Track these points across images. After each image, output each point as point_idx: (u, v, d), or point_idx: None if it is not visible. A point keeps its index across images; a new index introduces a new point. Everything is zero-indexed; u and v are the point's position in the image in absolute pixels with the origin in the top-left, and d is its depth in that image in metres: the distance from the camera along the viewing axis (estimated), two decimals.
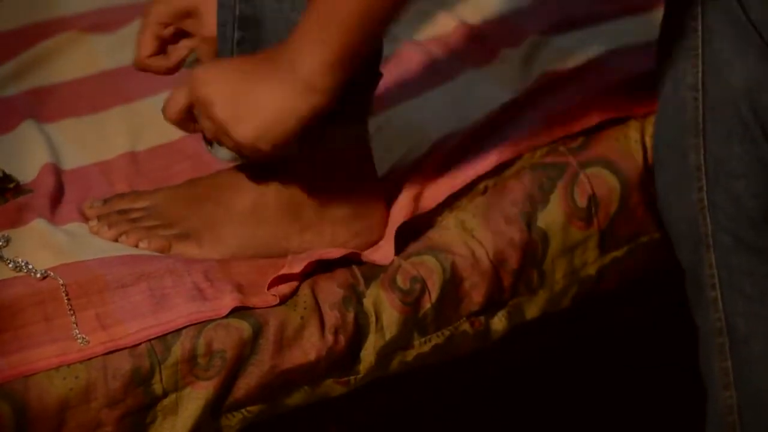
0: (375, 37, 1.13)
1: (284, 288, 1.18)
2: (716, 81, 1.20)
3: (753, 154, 1.20)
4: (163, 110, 1.16)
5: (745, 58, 1.17)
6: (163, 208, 1.24)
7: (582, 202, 1.32)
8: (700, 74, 1.21)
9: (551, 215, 1.30)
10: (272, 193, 1.21)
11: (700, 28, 1.19)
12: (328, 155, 1.21)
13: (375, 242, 1.25)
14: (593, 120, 1.36)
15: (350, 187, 1.23)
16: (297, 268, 1.18)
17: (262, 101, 1.10)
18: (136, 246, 1.21)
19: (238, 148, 1.13)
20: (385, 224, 1.25)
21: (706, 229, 1.23)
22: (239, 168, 1.24)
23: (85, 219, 1.25)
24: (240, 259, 1.20)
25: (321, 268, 1.21)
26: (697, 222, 1.23)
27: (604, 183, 1.33)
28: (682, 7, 1.20)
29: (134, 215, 1.24)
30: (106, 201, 1.26)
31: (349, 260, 1.22)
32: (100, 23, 1.56)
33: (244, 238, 1.21)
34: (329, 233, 1.23)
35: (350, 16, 1.08)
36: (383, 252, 1.23)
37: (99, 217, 1.24)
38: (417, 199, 1.27)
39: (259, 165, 1.21)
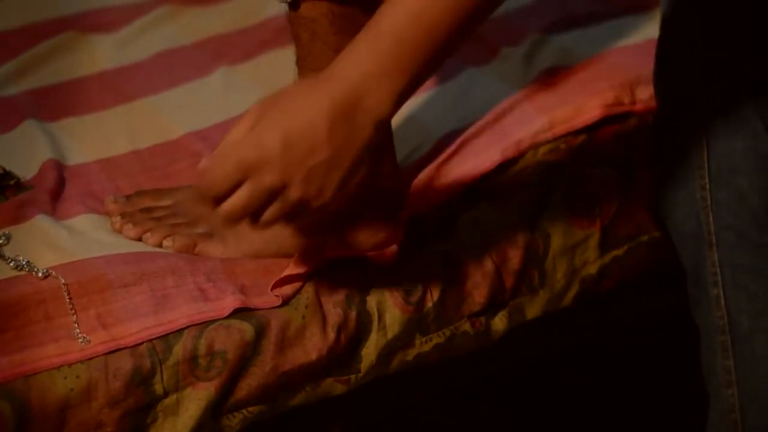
0: (446, 58, 1.06)
1: (287, 288, 1.18)
2: (720, 79, 1.19)
3: (756, 151, 1.19)
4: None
5: (747, 54, 1.17)
6: (186, 206, 1.23)
7: (584, 202, 1.32)
8: (701, 71, 1.20)
9: (553, 214, 1.30)
10: None
11: (702, 26, 1.19)
12: None
13: (391, 243, 1.23)
14: (594, 118, 1.36)
15: (375, 183, 1.21)
16: (302, 269, 1.18)
17: (340, 157, 1.03)
18: (160, 245, 1.21)
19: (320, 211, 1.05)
20: (402, 224, 1.24)
21: (708, 226, 1.23)
22: None
23: (89, 210, 1.24)
24: (246, 258, 1.20)
25: (324, 266, 1.21)
26: (700, 220, 1.23)
27: (606, 181, 1.33)
28: (682, 8, 1.20)
29: (158, 213, 1.24)
30: (128, 197, 1.25)
31: (353, 258, 1.22)
32: (100, 23, 1.56)
33: (267, 236, 1.19)
34: (350, 232, 1.20)
35: (435, 44, 1.02)
36: (389, 253, 1.23)
37: (122, 215, 1.23)
38: (420, 198, 1.27)
39: None
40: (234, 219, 1.04)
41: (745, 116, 1.18)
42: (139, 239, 1.22)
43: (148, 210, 1.24)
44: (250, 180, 1.02)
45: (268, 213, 1.04)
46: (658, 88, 1.28)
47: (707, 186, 1.22)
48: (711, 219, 1.22)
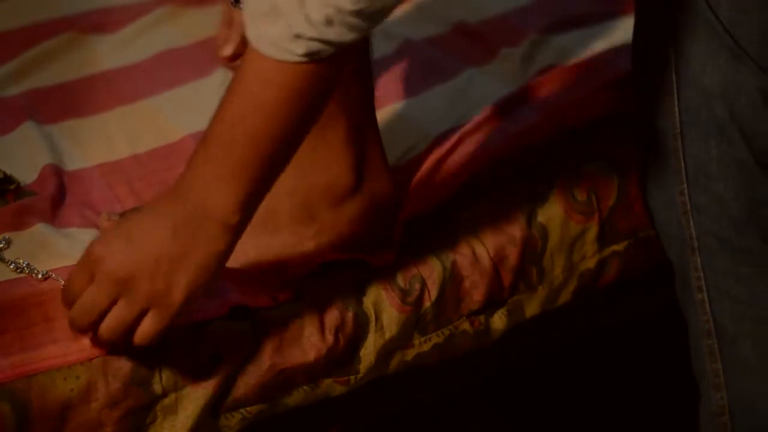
0: (287, 162, 1.05)
1: (285, 290, 1.18)
2: (690, 84, 1.19)
3: (731, 156, 1.19)
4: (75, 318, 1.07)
5: (717, 60, 1.16)
6: None
7: (581, 196, 1.32)
8: (674, 79, 1.20)
9: (551, 210, 1.30)
10: (284, 197, 1.18)
11: (671, 32, 1.19)
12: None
13: (386, 241, 1.23)
14: (592, 115, 1.36)
15: (366, 184, 1.21)
16: (299, 271, 1.18)
17: (186, 257, 1.04)
18: None
19: (166, 321, 1.06)
20: (396, 221, 1.24)
21: (690, 231, 1.23)
22: None
23: (88, 223, 1.24)
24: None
25: (321, 267, 1.21)
26: (682, 225, 1.23)
27: (604, 178, 1.33)
28: (652, 13, 1.20)
29: None
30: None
31: (350, 259, 1.22)
32: (100, 23, 1.56)
33: (261, 247, 1.19)
34: (346, 234, 1.20)
35: (262, 148, 1.02)
36: (386, 254, 1.23)
37: None
38: (417, 197, 1.27)
39: None
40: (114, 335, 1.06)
41: (720, 122, 1.18)
42: None
43: None
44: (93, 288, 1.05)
45: (114, 314, 1.05)
46: (635, 95, 1.28)
47: (686, 191, 1.22)
48: (692, 224, 1.22)
